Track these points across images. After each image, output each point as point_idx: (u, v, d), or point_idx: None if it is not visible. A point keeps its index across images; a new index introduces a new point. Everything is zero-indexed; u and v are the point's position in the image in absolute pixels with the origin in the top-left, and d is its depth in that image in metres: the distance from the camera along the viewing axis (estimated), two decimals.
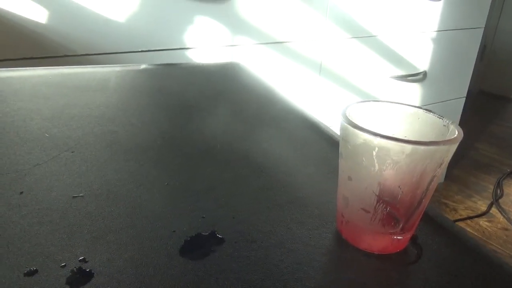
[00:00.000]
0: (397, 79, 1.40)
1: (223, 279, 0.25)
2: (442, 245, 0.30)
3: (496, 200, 1.66)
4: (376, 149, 0.24)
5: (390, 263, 0.28)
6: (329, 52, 1.21)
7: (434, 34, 1.42)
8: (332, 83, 1.25)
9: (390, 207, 0.27)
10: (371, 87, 1.35)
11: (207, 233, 0.30)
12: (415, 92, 1.48)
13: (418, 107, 0.29)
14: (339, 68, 1.25)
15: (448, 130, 0.27)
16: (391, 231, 0.28)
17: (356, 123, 0.26)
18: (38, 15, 0.77)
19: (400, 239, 0.28)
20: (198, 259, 0.27)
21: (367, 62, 1.30)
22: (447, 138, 0.25)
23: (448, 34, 1.46)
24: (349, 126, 0.26)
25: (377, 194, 0.26)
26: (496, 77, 2.74)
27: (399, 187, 0.26)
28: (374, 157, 0.25)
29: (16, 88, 0.55)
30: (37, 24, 0.78)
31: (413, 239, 0.30)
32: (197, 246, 0.28)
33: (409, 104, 0.30)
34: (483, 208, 1.62)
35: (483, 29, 1.56)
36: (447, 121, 0.27)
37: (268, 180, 0.37)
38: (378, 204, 0.26)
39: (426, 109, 0.29)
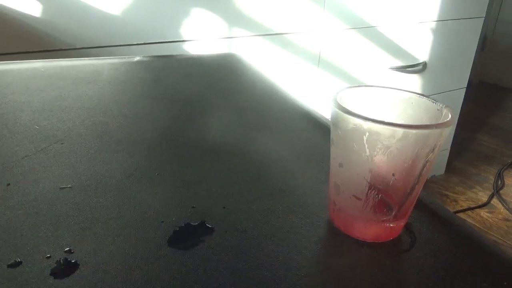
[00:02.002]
0: (397, 70, 1.38)
1: (212, 269, 0.25)
2: (436, 233, 0.29)
3: (497, 191, 1.66)
4: (367, 134, 0.24)
5: (383, 251, 0.27)
6: (328, 43, 1.19)
7: (433, 25, 1.40)
8: (330, 74, 1.24)
9: (382, 194, 0.26)
10: (370, 78, 1.34)
11: (196, 223, 0.29)
12: (415, 83, 1.47)
13: (411, 91, 0.28)
14: (338, 60, 1.24)
15: (442, 114, 0.26)
16: (384, 218, 0.27)
17: (347, 108, 0.25)
18: (33, 9, 0.76)
19: (393, 226, 0.27)
20: (186, 249, 0.27)
21: (366, 53, 1.29)
22: (439, 122, 0.24)
23: (448, 24, 1.44)
24: (339, 111, 0.25)
25: (369, 180, 0.25)
26: (497, 67, 2.72)
27: (392, 173, 0.25)
28: (364, 142, 0.24)
29: (9, 81, 0.54)
30: (31, 18, 0.77)
31: (407, 227, 0.29)
32: (186, 236, 0.28)
33: (402, 89, 0.29)
34: (484, 199, 1.61)
35: (483, 19, 1.55)
36: (440, 105, 0.26)
37: (260, 169, 0.36)
38: (370, 191, 0.26)
39: (419, 94, 0.28)
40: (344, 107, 0.25)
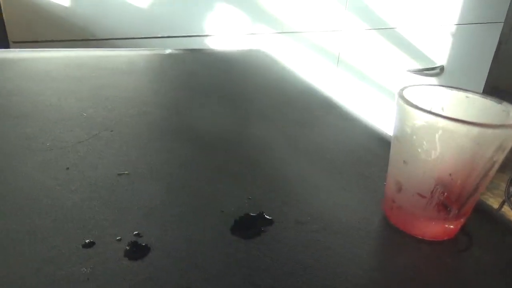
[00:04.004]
0: (414, 73, 1.38)
1: (278, 259, 0.25)
2: (492, 233, 0.30)
3: (508, 198, 1.65)
4: (440, 131, 0.24)
5: (442, 249, 0.28)
6: (348, 43, 1.19)
7: (453, 28, 1.40)
8: (349, 74, 1.24)
9: (447, 193, 0.26)
10: (388, 80, 1.34)
11: (255, 214, 0.29)
12: None
13: (473, 91, 0.29)
14: (357, 60, 1.24)
15: (509, 115, 0.26)
16: (445, 217, 0.27)
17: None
18: None
19: (452, 226, 0.28)
20: (249, 238, 0.27)
21: (385, 54, 1.29)
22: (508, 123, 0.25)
23: (467, 28, 1.44)
24: (409, 107, 0.25)
25: (436, 178, 0.26)
26: (510, 74, 2.71)
27: (458, 172, 0.26)
28: (436, 140, 0.24)
29: (48, 68, 0.55)
30: (58, 7, 0.77)
31: (462, 227, 0.30)
32: (247, 226, 0.28)
33: (463, 88, 0.29)
34: (495, 206, 1.61)
35: (502, 24, 1.54)
36: (507, 106, 0.27)
37: (310, 164, 0.37)
38: (435, 189, 0.26)
39: (481, 94, 0.28)
40: (415, 104, 0.25)
